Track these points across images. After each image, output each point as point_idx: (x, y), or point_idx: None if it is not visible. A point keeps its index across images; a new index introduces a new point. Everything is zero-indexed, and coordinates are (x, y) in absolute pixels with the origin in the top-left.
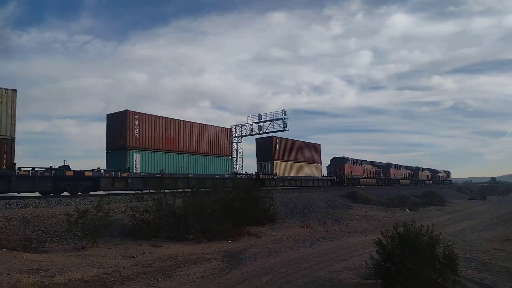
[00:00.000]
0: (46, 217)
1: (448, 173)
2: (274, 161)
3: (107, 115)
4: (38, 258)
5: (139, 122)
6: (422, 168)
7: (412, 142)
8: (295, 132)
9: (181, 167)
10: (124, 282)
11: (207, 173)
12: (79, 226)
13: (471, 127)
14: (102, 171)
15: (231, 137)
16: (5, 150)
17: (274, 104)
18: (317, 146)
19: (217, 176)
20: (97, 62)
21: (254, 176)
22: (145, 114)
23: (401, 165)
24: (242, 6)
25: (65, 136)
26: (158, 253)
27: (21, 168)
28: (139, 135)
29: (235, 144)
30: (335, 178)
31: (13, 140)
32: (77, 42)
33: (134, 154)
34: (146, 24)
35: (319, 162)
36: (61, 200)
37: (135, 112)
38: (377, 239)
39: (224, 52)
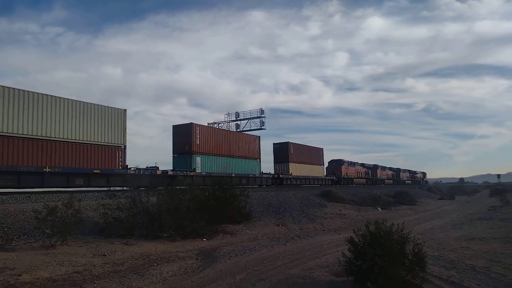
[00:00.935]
0: (13, 213)
1: (424, 174)
2: (289, 163)
3: (173, 126)
4: (4, 257)
5: (199, 132)
6: (402, 169)
7: (386, 143)
8: (272, 131)
9: (226, 167)
10: (95, 281)
11: (244, 173)
12: (48, 223)
13: (442, 129)
14: (178, 171)
15: (259, 143)
16: (120, 155)
17: (251, 102)
18: (321, 150)
19: (250, 176)
20: (70, 55)
21: (276, 176)
22: (203, 125)
23: (386, 166)
24: (221, 4)
25: None
26: (130, 251)
27: (130, 168)
28: (199, 142)
29: None
30: (334, 177)
31: (125, 147)
32: (49, 34)
33: (197, 157)
34: (121, 17)
35: (322, 163)
36: (29, 197)
37: (197, 124)
38: (349, 237)
39: (202, 49)
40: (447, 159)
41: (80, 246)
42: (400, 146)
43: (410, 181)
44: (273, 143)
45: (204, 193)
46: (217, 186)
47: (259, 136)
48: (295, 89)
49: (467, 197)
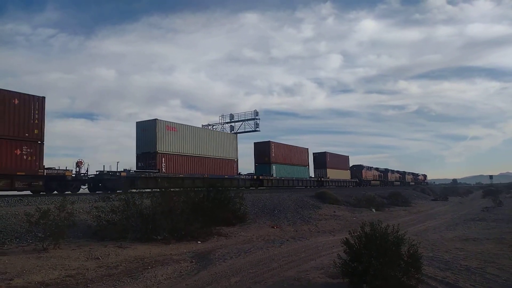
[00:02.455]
0: (4, 217)
1: (425, 176)
2: (327, 169)
3: (255, 143)
4: None
5: (274, 147)
6: (407, 172)
7: (379, 144)
8: (267, 132)
9: (290, 173)
10: (88, 285)
11: (300, 177)
12: (41, 226)
13: (434, 131)
14: (262, 176)
15: (308, 153)
16: (235, 165)
17: (245, 104)
18: (347, 158)
19: (304, 179)
20: (63, 57)
21: (318, 179)
22: (277, 142)
23: (394, 170)
24: (215, 6)
25: None
26: (124, 254)
27: (240, 173)
28: (274, 155)
29: None
30: (357, 180)
31: (237, 160)
32: (41, 35)
33: (273, 166)
34: (115, 19)
35: (348, 169)
36: (21, 200)
37: (273, 141)
38: (344, 239)
39: (196, 50)
40: (439, 161)
41: (73, 249)
42: (392, 147)
43: (413, 183)
44: (313, 153)
45: (198, 195)
46: (212, 188)
47: (307, 148)
48: (289, 91)
49: (460, 198)
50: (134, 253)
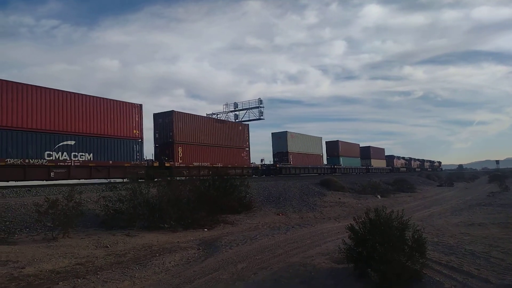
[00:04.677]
0: (14, 207)
1: (439, 163)
2: (371, 159)
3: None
4: (7, 250)
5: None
6: (425, 160)
7: (384, 131)
8: (271, 121)
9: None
10: (98, 272)
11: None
12: (50, 216)
13: (440, 116)
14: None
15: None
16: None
17: (249, 93)
18: (383, 150)
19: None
20: (66, 48)
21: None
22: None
23: (416, 158)
24: None
25: None
26: (132, 242)
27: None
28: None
29: None
30: (391, 167)
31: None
32: (44, 26)
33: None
34: (117, 9)
35: (385, 158)
36: (30, 190)
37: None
38: (349, 225)
39: (199, 39)
40: (445, 146)
41: (82, 238)
42: (398, 134)
43: (430, 169)
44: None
45: (204, 184)
46: (217, 177)
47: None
48: (293, 78)
49: (466, 183)
50: (142, 241)
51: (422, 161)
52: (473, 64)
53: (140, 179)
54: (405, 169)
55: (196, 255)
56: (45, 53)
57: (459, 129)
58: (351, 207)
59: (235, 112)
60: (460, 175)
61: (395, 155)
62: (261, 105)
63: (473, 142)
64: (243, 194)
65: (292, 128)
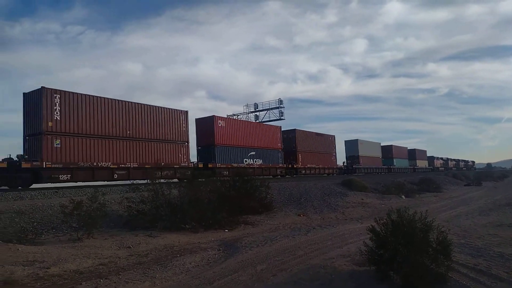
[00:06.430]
0: (41, 208)
1: (473, 162)
2: (416, 159)
3: (345, 140)
4: (34, 250)
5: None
6: (458, 159)
7: (408, 129)
8: (292, 121)
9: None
10: (120, 273)
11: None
12: (75, 217)
13: (467, 114)
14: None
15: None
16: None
17: (270, 93)
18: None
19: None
20: (91, 53)
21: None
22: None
23: (452, 158)
24: None
25: None
26: (154, 243)
27: None
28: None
29: None
30: (432, 167)
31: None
32: (70, 33)
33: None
34: (139, 14)
35: (426, 159)
36: (56, 192)
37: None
38: (370, 226)
39: (219, 41)
40: (473, 144)
41: (105, 239)
42: (422, 132)
43: (464, 168)
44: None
45: (225, 185)
46: (238, 178)
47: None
48: (313, 78)
49: (494, 182)
50: (164, 241)
51: (457, 160)
52: (500, 59)
53: (185, 179)
54: (443, 168)
55: (216, 256)
56: (70, 58)
57: (486, 127)
58: (374, 207)
59: (255, 113)
60: (489, 174)
61: (435, 156)
62: (281, 105)
63: (501, 139)
64: (264, 194)
65: (312, 128)
